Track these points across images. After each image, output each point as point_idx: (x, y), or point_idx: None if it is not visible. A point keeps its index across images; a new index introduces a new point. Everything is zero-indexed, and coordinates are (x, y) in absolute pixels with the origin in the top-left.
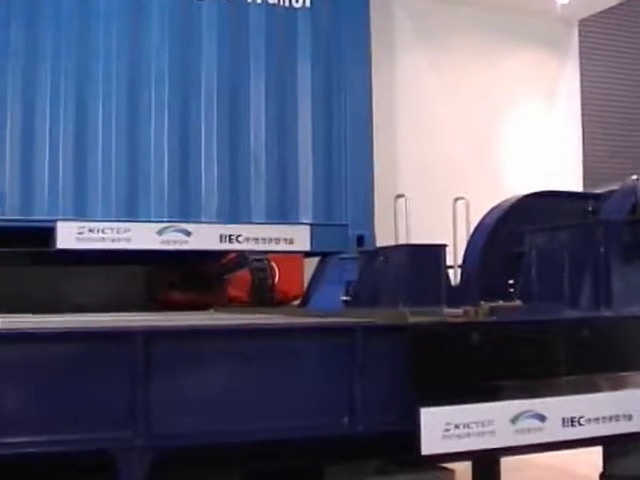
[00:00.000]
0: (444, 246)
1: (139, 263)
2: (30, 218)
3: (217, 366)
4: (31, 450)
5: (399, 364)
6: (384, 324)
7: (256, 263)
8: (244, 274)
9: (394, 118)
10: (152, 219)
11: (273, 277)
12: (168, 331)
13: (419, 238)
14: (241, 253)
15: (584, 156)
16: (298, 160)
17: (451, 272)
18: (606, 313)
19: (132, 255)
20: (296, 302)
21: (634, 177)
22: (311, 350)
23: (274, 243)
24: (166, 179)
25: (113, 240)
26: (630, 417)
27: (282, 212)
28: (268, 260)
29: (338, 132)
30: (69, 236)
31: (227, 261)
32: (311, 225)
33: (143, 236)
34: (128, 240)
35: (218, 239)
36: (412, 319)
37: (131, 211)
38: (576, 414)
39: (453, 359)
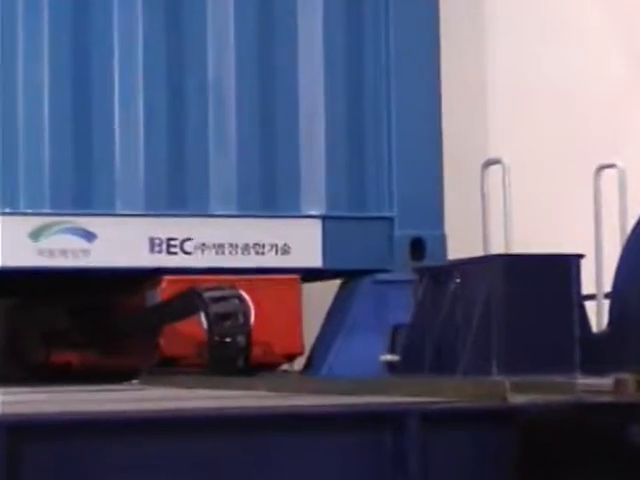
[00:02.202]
0: (577, 257)
1: None
2: None
3: None
4: None
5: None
6: (462, 406)
7: (216, 304)
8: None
9: (483, 26)
10: (21, 210)
11: (248, 327)
12: (55, 423)
13: (528, 243)
14: (192, 291)
15: None
16: (298, 102)
17: (590, 305)
18: None
19: None
20: (287, 366)
21: None
22: (323, 457)
23: (253, 254)
24: (47, 133)
25: None
26: None
27: (269, 197)
28: (239, 296)
29: (374, 50)
30: None
31: (166, 303)
32: (324, 219)
33: (4, 242)
34: None
35: (147, 246)
36: (516, 396)
37: None
38: None
39: (596, 471)
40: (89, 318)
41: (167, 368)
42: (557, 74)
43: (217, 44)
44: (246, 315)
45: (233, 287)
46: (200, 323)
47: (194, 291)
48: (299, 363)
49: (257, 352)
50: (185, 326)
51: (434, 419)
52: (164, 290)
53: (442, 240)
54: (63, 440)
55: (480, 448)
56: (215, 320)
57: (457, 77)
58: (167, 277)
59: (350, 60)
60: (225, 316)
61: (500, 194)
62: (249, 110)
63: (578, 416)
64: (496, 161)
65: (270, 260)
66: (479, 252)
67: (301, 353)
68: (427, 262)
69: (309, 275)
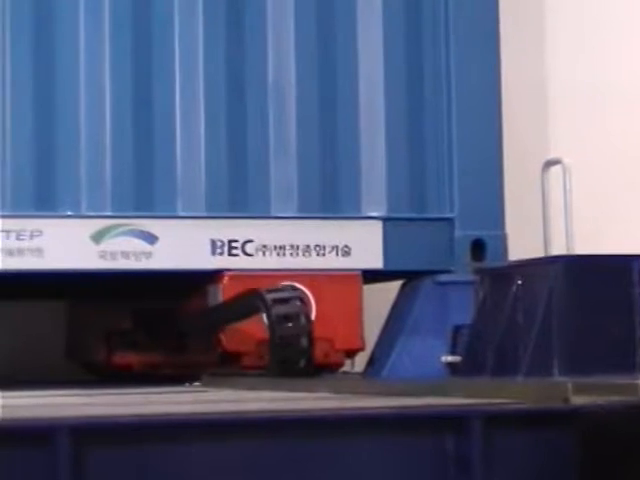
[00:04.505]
0: (639, 258)
1: (58, 295)
2: None
3: None
4: None
5: None
6: (524, 408)
7: (278, 306)
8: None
9: (544, 24)
10: (83, 213)
11: (310, 328)
12: (118, 426)
13: (589, 244)
14: (254, 292)
15: None
16: (359, 103)
17: None
18: None
19: (45, 279)
20: (348, 367)
21: None
22: (385, 459)
23: (314, 255)
24: (108, 137)
25: (9, 252)
26: None
27: (329, 198)
28: (301, 297)
29: (434, 51)
30: None
31: (227, 303)
32: (384, 220)
33: (66, 244)
34: (38, 252)
35: (208, 248)
36: (578, 398)
37: (43, 198)
38: None
39: None
40: (151, 319)
41: (229, 370)
42: (618, 73)
43: (277, 46)
44: (308, 316)
45: (294, 288)
46: (261, 319)
47: (256, 293)
48: (360, 365)
49: (318, 348)
50: (246, 322)
51: (496, 421)
52: (226, 286)
53: (503, 241)
54: (126, 442)
55: (543, 449)
56: (277, 322)
57: (517, 77)
58: (229, 273)
59: (410, 60)
60: (287, 318)
61: (561, 195)
62: (309, 111)
63: None
64: (556, 161)
65: (331, 261)
66: (540, 253)
67: (362, 349)
68: (488, 263)
69: (370, 276)
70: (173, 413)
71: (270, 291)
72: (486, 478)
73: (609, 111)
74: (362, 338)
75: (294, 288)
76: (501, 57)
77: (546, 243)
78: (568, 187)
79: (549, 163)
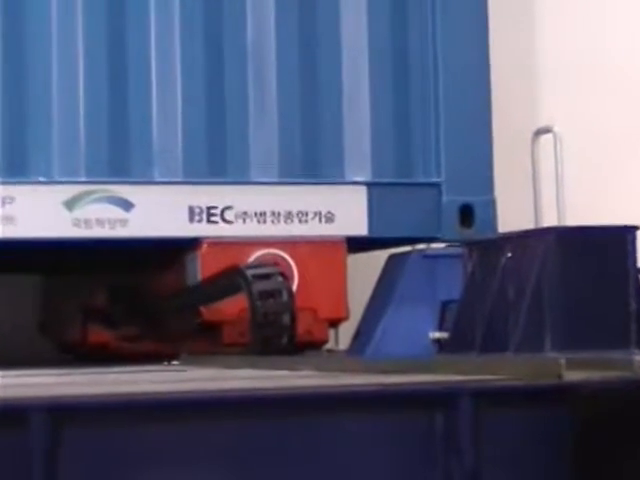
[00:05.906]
0: (632, 229)
1: (29, 268)
2: None
3: (187, 472)
4: None
5: (547, 462)
6: (514, 384)
7: (259, 282)
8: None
9: None
10: (56, 179)
11: (292, 305)
12: (96, 405)
13: (583, 215)
14: (234, 270)
15: None
16: (342, 64)
17: None
18: None
19: (18, 249)
20: (332, 345)
21: None
22: (373, 438)
23: (296, 222)
24: (81, 100)
25: None
26: None
27: (312, 163)
28: (281, 273)
29: (420, 15)
30: None
31: (207, 281)
32: (369, 186)
33: (39, 212)
34: (10, 220)
35: (186, 215)
36: (571, 374)
37: (14, 163)
38: None
39: None
40: (128, 296)
41: (209, 349)
42: (608, 40)
43: (257, 8)
44: (290, 292)
45: (276, 262)
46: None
47: (236, 269)
48: (345, 343)
49: (301, 318)
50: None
51: (486, 398)
52: (204, 255)
53: (492, 206)
54: (104, 423)
55: (534, 427)
56: (258, 298)
57: (507, 43)
58: (207, 240)
59: (395, 24)
60: (269, 294)
61: (552, 164)
62: (290, 74)
63: (635, 393)
64: (547, 130)
65: (314, 228)
66: (530, 225)
67: (346, 318)
68: (476, 229)
69: (354, 244)
70: (151, 392)
71: (250, 267)
72: (476, 456)
73: (600, 79)
74: (347, 307)
75: (275, 263)
76: (490, 25)
77: (537, 214)
78: (559, 156)
79: (539, 132)
